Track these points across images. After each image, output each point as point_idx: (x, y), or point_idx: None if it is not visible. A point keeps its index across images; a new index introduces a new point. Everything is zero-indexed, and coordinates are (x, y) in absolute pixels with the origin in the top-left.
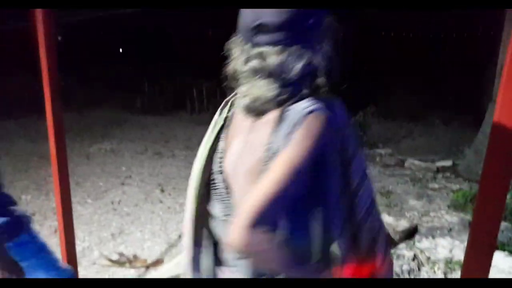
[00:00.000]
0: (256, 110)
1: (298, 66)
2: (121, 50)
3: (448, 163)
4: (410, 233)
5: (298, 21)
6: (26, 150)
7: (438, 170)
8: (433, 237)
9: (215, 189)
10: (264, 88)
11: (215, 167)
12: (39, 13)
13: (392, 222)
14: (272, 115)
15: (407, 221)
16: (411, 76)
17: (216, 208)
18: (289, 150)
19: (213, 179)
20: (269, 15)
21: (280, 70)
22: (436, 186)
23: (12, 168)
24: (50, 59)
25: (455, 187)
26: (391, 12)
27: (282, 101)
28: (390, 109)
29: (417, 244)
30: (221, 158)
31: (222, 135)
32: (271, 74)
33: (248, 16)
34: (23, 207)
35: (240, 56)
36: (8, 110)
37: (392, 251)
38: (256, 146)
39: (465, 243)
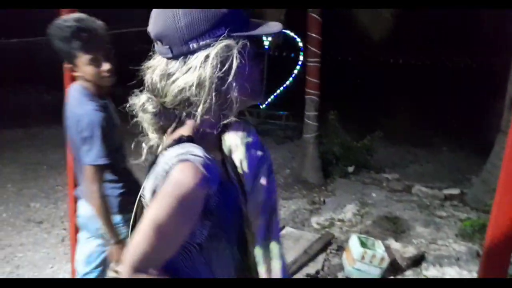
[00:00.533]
0: (145, 130)
1: (174, 89)
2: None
3: (455, 191)
4: (417, 260)
5: (175, 33)
6: (34, 159)
7: (445, 198)
8: (441, 265)
9: None
10: (144, 106)
11: None
12: None
13: (399, 248)
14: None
15: (415, 248)
16: (418, 103)
17: None
18: (155, 204)
19: None
20: (150, 23)
21: (157, 89)
22: (443, 214)
23: (21, 177)
24: None
25: (463, 216)
26: (400, 41)
27: (159, 128)
28: (397, 135)
29: (424, 272)
30: None
31: None
32: (153, 91)
33: None
34: (32, 215)
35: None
36: (17, 120)
37: (399, 277)
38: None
39: (473, 274)
